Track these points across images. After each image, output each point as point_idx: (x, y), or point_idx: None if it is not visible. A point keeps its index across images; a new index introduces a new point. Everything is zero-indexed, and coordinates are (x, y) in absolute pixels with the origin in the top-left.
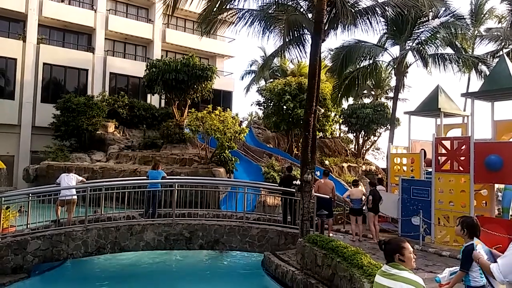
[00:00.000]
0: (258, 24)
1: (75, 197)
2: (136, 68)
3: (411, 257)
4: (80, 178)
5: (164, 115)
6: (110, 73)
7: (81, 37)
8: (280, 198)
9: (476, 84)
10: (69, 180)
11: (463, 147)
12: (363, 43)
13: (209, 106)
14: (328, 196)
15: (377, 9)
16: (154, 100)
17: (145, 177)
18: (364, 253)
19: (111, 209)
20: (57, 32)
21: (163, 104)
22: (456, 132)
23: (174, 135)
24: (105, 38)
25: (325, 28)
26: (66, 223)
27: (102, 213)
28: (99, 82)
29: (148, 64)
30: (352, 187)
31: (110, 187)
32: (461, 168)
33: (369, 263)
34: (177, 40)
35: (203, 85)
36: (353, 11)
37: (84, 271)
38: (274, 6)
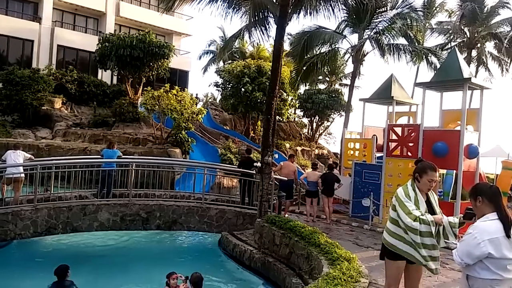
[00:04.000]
0: (222, 3)
1: (23, 175)
2: (86, 42)
3: (426, 183)
4: (28, 156)
5: (116, 93)
6: (58, 45)
7: (26, 5)
8: (236, 180)
9: (424, 74)
10: (16, 157)
11: (413, 134)
12: (323, 30)
13: (166, 85)
14: (286, 179)
15: None
16: (105, 76)
17: (96, 156)
18: (320, 232)
19: (62, 189)
20: None
21: (115, 81)
22: (404, 120)
23: (127, 113)
24: (53, 8)
25: (289, 12)
26: (13, 202)
27: (52, 192)
28: (46, 55)
29: (101, 38)
30: (310, 170)
31: (61, 166)
32: (410, 154)
33: (326, 241)
34: (132, 14)
35: (159, 63)
36: None
37: (32, 252)
38: None
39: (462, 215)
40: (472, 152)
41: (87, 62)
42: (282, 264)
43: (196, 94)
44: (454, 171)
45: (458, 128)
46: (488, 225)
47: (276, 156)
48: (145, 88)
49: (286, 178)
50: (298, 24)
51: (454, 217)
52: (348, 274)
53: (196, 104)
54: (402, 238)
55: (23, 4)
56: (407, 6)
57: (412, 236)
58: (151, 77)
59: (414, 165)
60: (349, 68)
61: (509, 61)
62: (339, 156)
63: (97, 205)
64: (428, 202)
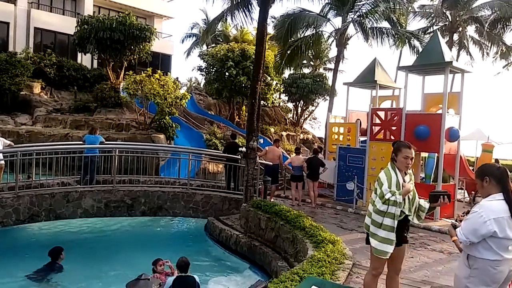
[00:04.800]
0: None
1: (3, 162)
2: (64, 24)
3: (402, 161)
4: (8, 142)
5: (97, 77)
6: (35, 28)
7: None
8: (222, 165)
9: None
10: None
11: (396, 117)
12: (307, 12)
13: (148, 69)
14: (271, 163)
15: None
16: (85, 60)
17: (79, 142)
18: (305, 216)
19: (44, 176)
20: None
21: (95, 65)
22: (387, 104)
23: (109, 98)
24: None
25: None
26: None
27: (34, 179)
28: (22, 38)
29: (79, 20)
30: (294, 155)
31: (43, 152)
32: (393, 137)
33: (311, 225)
34: None
35: (141, 47)
36: None
37: (15, 240)
38: None
39: (427, 200)
40: (453, 135)
41: (66, 46)
42: (268, 248)
43: (177, 78)
44: (436, 154)
45: (439, 111)
46: (494, 204)
47: (261, 141)
48: (127, 73)
49: (271, 163)
50: (281, 6)
51: (425, 201)
52: (332, 256)
53: (180, 89)
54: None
55: None
56: None
57: (374, 217)
58: (132, 61)
59: (392, 147)
60: (333, 52)
61: (489, 45)
62: (323, 140)
63: (81, 191)
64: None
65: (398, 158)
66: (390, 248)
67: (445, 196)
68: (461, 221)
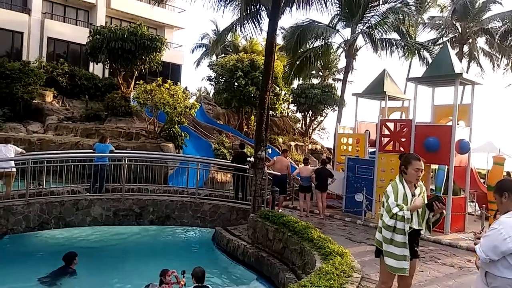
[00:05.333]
0: None
1: (14, 169)
2: (77, 34)
3: (413, 173)
4: (20, 150)
5: (108, 86)
6: (48, 37)
7: None
8: (230, 175)
9: (417, 69)
10: (7, 151)
11: (405, 129)
12: (316, 23)
13: (158, 79)
14: (279, 173)
15: None
16: (97, 69)
17: (89, 150)
18: (314, 227)
19: (54, 184)
20: None
21: (107, 74)
22: (396, 115)
23: (119, 107)
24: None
25: (281, 5)
26: (4, 197)
27: (44, 187)
28: (36, 47)
29: (92, 30)
30: (302, 165)
31: (53, 160)
32: (402, 149)
33: (319, 236)
34: (123, 6)
35: (152, 57)
36: None
37: (24, 247)
38: None
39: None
40: (464, 147)
41: (78, 55)
42: (276, 259)
43: (186, 87)
44: (446, 166)
45: (449, 123)
46: None
47: (270, 151)
48: (137, 82)
49: (279, 173)
50: (291, 18)
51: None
52: (340, 269)
53: (189, 98)
54: None
55: None
56: (400, 1)
57: (384, 233)
58: (143, 70)
59: (399, 160)
60: (342, 63)
61: (500, 57)
62: (332, 151)
63: (90, 200)
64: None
65: (409, 170)
66: (406, 264)
67: (437, 202)
68: (478, 238)
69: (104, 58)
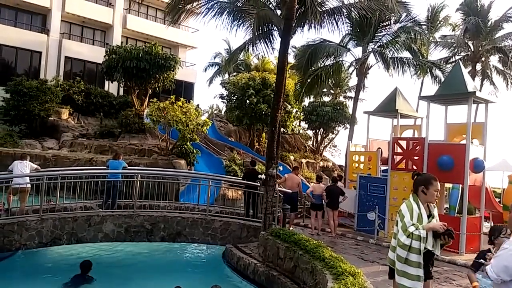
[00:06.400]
0: (227, 17)
1: (29, 185)
2: (93, 54)
3: (433, 193)
4: (35, 166)
5: (123, 104)
6: (66, 57)
7: (35, 17)
8: (241, 192)
9: (429, 88)
10: (23, 167)
11: (418, 147)
12: (328, 43)
13: (171, 96)
14: (291, 191)
15: (343, 10)
16: (112, 87)
17: (102, 167)
18: (325, 246)
19: (68, 199)
20: (9, 11)
21: (121, 92)
22: (409, 133)
23: (133, 124)
24: (61, 20)
25: (293, 25)
26: (19, 212)
27: (58, 203)
28: (53, 66)
29: (108, 50)
30: (315, 183)
31: (67, 176)
32: (415, 167)
33: (331, 256)
34: (138, 27)
35: (165, 75)
36: (320, 10)
37: (36, 262)
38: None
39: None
40: (478, 166)
41: (94, 74)
42: (287, 278)
43: (198, 105)
44: (460, 185)
45: (463, 142)
46: None
47: (281, 168)
48: (151, 100)
49: (290, 191)
50: (302, 37)
51: None
52: None
53: (201, 116)
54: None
55: (32, 16)
56: (411, 20)
57: (399, 252)
58: (157, 88)
59: (411, 179)
60: (353, 81)
61: None
62: (344, 168)
63: (102, 216)
64: (431, 216)
65: (430, 191)
66: (420, 285)
67: (447, 236)
68: (490, 259)
69: (119, 77)
